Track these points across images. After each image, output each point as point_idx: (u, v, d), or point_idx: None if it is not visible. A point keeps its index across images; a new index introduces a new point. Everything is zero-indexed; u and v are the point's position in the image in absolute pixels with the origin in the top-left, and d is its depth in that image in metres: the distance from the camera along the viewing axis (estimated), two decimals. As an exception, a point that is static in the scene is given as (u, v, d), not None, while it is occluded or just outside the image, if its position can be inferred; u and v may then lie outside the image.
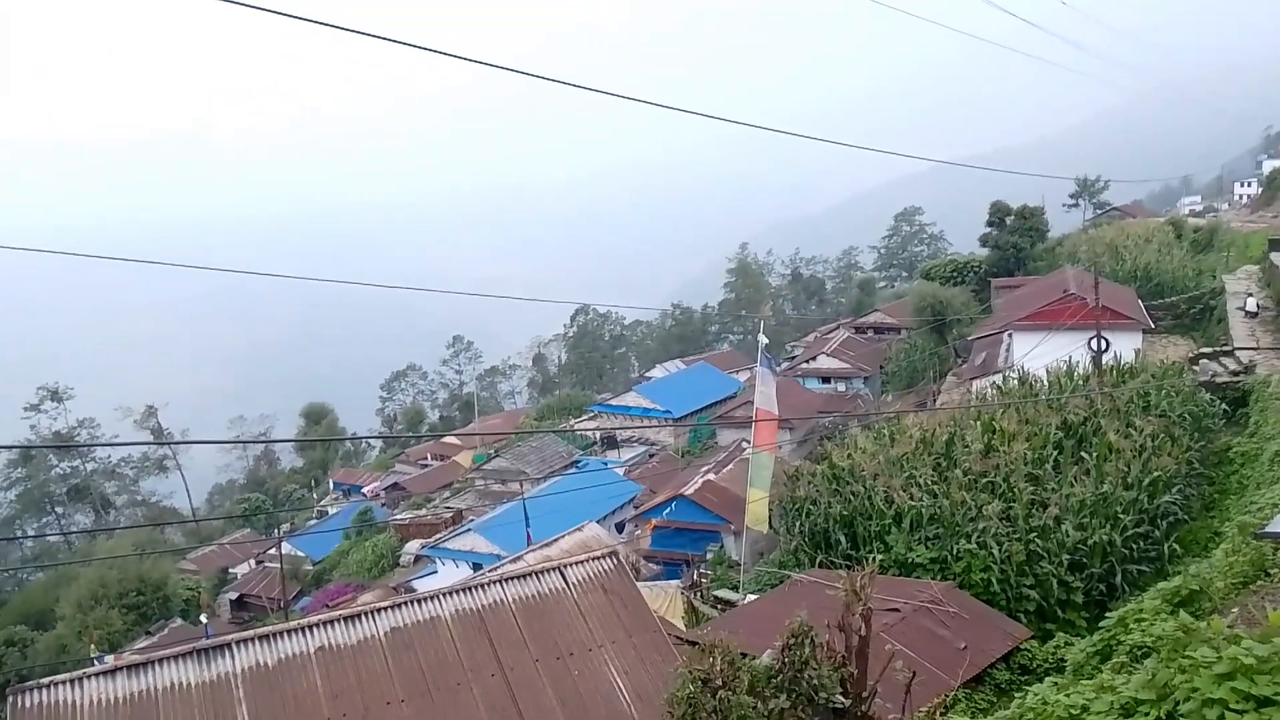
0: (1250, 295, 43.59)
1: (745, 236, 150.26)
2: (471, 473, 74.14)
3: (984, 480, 24.56)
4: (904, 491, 25.08)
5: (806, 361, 72.53)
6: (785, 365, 78.48)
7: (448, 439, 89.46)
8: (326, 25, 7.91)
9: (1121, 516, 22.45)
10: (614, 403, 76.26)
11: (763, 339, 29.73)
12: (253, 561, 71.50)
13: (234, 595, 65.95)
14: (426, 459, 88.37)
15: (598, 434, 72.66)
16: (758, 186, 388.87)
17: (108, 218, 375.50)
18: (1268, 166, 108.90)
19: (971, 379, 44.71)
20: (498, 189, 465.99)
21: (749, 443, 34.56)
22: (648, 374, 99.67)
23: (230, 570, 73.32)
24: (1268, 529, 11.72)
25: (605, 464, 61.90)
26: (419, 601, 15.85)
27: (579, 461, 64.89)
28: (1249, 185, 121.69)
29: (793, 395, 61.86)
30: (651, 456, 65.21)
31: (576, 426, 78.87)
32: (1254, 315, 41.24)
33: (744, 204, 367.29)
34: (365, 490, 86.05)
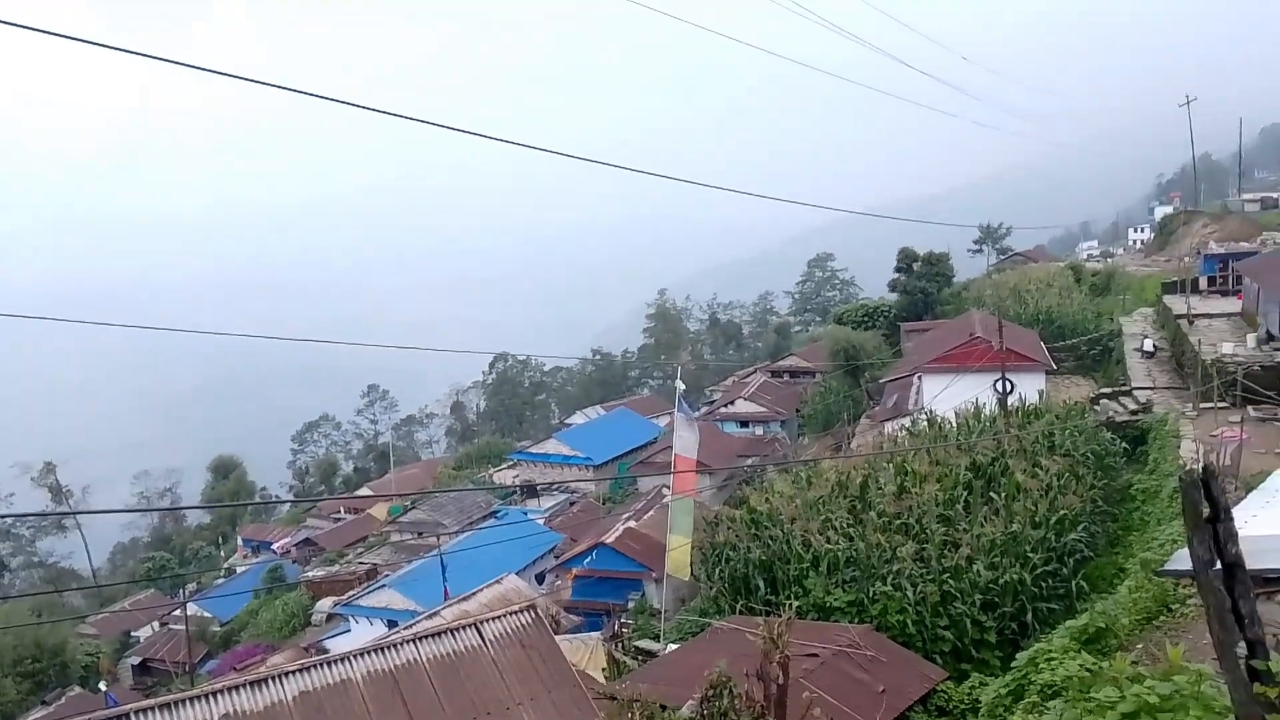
0: (1146, 337, 45.55)
1: (670, 280, 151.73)
2: (387, 526, 72.51)
3: (898, 522, 24.96)
4: (821, 535, 25.32)
5: (725, 406, 73.09)
6: (704, 409, 78.99)
7: (361, 491, 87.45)
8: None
9: (1031, 555, 22.98)
10: (534, 450, 75.68)
11: (680, 385, 29.88)
12: (157, 624, 68.43)
13: (137, 660, 62.88)
14: (340, 513, 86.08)
15: (517, 483, 71.91)
16: (687, 231, 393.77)
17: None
18: (1159, 213, 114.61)
19: (884, 421, 45.55)
20: (419, 231, 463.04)
21: (670, 489, 34.54)
22: (568, 420, 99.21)
23: (133, 633, 70.02)
24: (1168, 566, 12.10)
25: (525, 514, 61.18)
26: (330, 663, 15.32)
27: (498, 512, 64.00)
28: (1142, 230, 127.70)
29: (712, 440, 62.18)
30: (572, 505, 64.70)
31: (496, 475, 77.97)
32: (1150, 355, 43.03)
33: (671, 249, 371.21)
34: (275, 547, 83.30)
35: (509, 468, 77.61)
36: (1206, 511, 5.72)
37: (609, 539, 41.50)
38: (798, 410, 67.92)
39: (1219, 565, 5.76)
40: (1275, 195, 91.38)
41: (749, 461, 56.95)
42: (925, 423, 36.33)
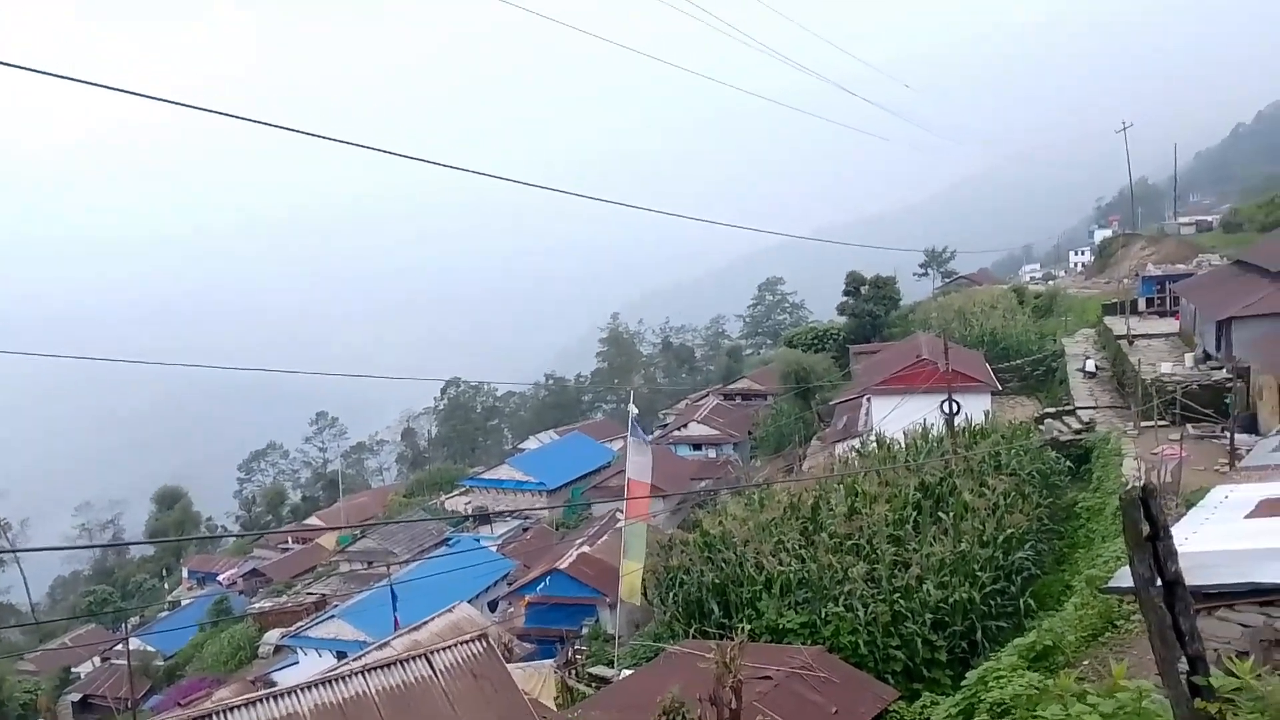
0: (1088, 357, 46.56)
1: (623, 304, 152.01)
2: (336, 555, 71.33)
3: (849, 543, 25.10)
4: (773, 557, 25.35)
5: (678, 429, 73.22)
6: (658, 433, 79.02)
7: (310, 520, 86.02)
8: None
9: (979, 574, 23.23)
10: (487, 476, 75.04)
11: (633, 409, 29.89)
12: (98, 659, 66.42)
13: (77, 697, 61.05)
14: (287, 543, 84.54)
15: (469, 509, 71.25)
16: (640, 253, 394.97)
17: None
18: (1099, 236, 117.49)
19: (835, 442, 45.93)
20: (371, 254, 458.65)
21: (623, 513, 34.44)
22: (522, 445, 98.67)
23: (73, 670, 67.90)
24: (1111, 584, 12.30)
25: (478, 540, 60.60)
26: (276, 697, 15.00)
27: (450, 539, 63.28)
28: (1083, 253, 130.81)
29: (665, 463, 62.21)
30: (526, 530, 64.28)
31: (448, 502, 77.15)
32: (1092, 376, 43.97)
33: (624, 271, 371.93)
34: (221, 578, 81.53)
35: (461, 494, 76.85)
36: (1146, 530, 5.81)
37: (562, 565, 41.28)
38: (750, 432, 68.29)
39: (1160, 583, 5.85)
40: (1209, 218, 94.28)
41: (702, 484, 57.12)
42: (874, 444, 36.70)
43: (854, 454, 37.37)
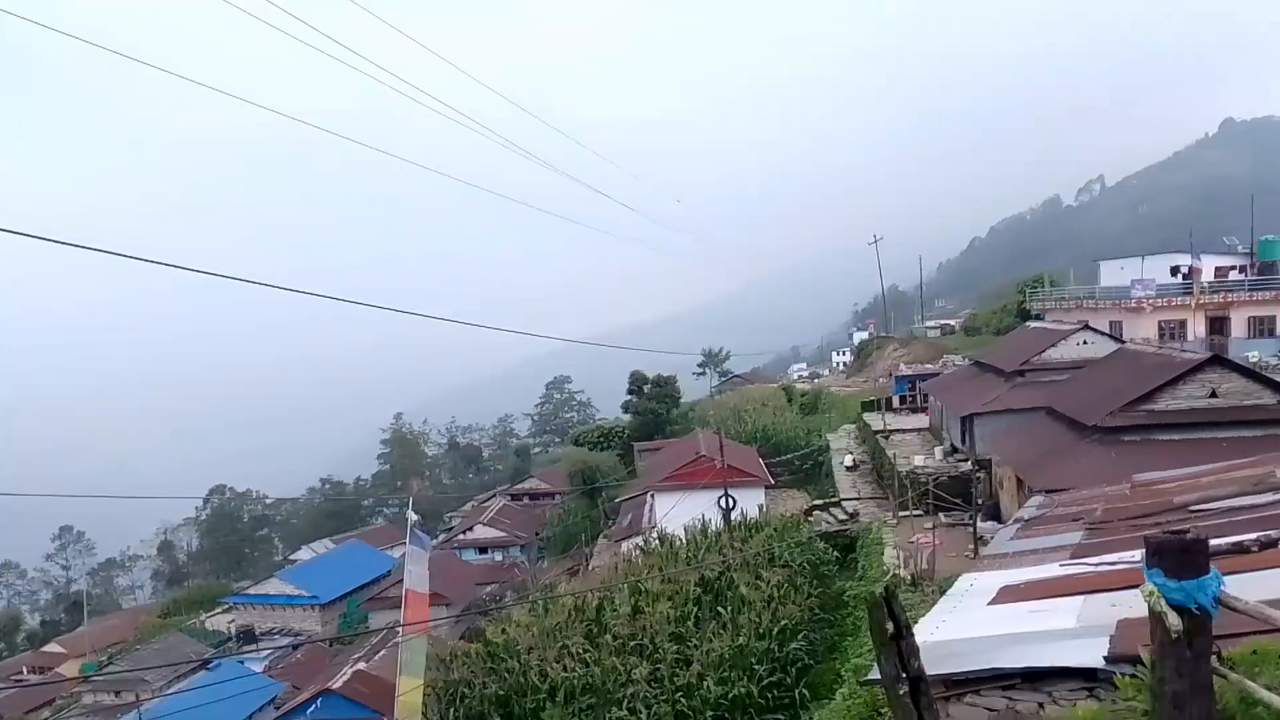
0: (850, 452, 49.54)
1: (407, 404, 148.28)
2: (79, 686, 63.72)
3: (633, 643, 25.03)
4: (558, 663, 24.88)
5: (464, 532, 71.50)
6: (442, 537, 76.74)
7: (50, 648, 76.86)
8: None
9: (757, 667, 23.71)
10: (254, 591, 69.91)
11: (412, 516, 28.77)
12: None
13: None
14: (22, 672, 74.90)
15: (233, 628, 65.96)
16: (426, 354, 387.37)
17: None
18: (857, 338, 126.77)
19: (620, 540, 46.18)
20: (114, 355, 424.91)
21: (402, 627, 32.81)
22: (293, 557, 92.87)
23: None
24: (870, 675, 12.83)
25: (243, 662, 55.96)
26: None
27: (211, 662, 58.04)
28: (844, 354, 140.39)
29: (450, 568, 60.36)
30: (296, 649, 60.06)
31: (210, 621, 71.18)
32: (854, 469, 46.72)
33: (410, 372, 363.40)
34: (-66, 721, 70.79)
35: (224, 612, 71.11)
36: (891, 629, 6.10)
37: (336, 684, 38.83)
38: (538, 533, 67.62)
39: (905, 679, 6.13)
40: (952, 322, 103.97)
41: (488, 589, 55.69)
42: (657, 541, 37.14)
43: (638, 552, 37.62)
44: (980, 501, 32.26)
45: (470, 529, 70.63)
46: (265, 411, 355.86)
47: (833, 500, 42.50)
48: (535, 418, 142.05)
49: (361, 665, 41.31)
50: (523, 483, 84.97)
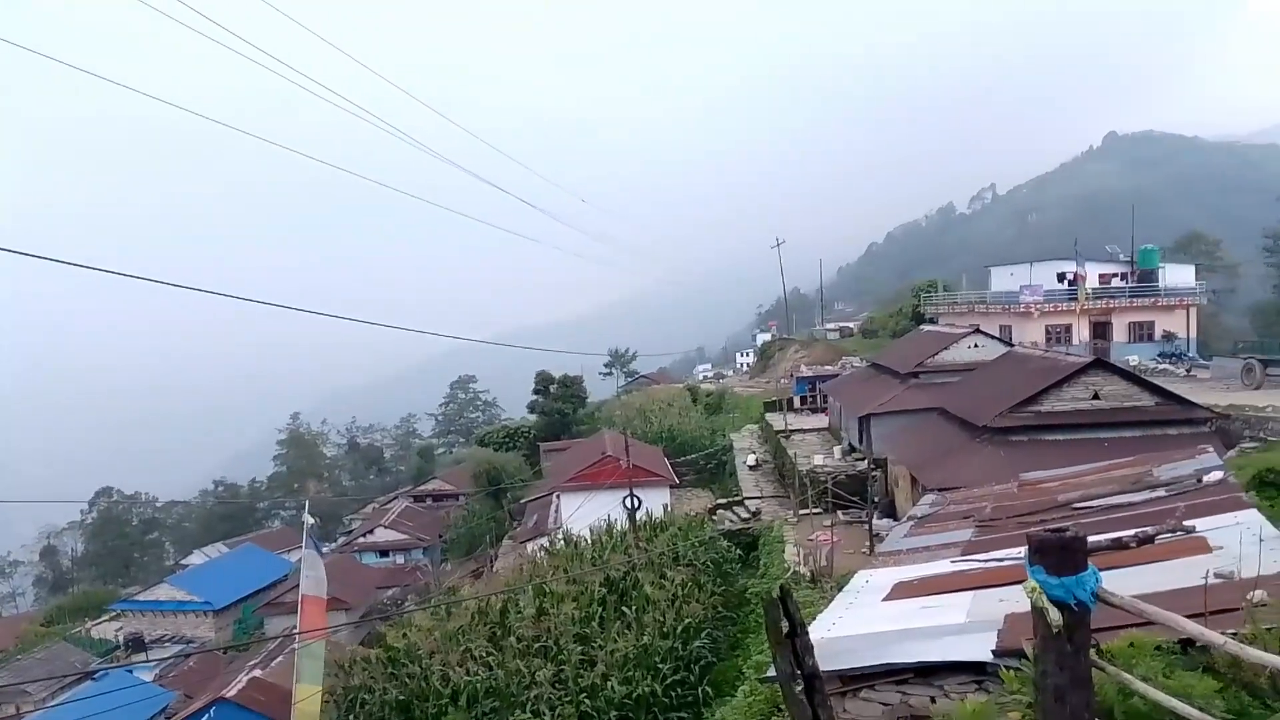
0: (753, 451, 50.24)
1: (305, 403, 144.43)
2: (-53, 702, 60.20)
3: (537, 645, 24.94)
4: (461, 667, 24.63)
5: (364, 535, 70.00)
6: (342, 540, 75.12)
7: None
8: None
9: (661, 666, 23.86)
10: (143, 598, 67.10)
11: (308, 519, 28.06)
12: None
13: None
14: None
15: (121, 636, 63.23)
16: (324, 353, 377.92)
17: None
18: (760, 339, 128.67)
19: (525, 541, 45.91)
20: (14, 345, 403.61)
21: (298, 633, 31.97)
22: (185, 561, 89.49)
23: None
24: (768, 673, 13.04)
25: (131, 671, 53.70)
26: None
27: (97, 673, 55.56)
28: (748, 355, 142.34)
29: (349, 572, 59.10)
30: (188, 656, 57.94)
31: (96, 629, 68.08)
32: (756, 468, 47.40)
33: (308, 370, 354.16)
34: None
35: (112, 619, 68.12)
36: (786, 628, 6.21)
37: (229, 693, 37.53)
38: (441, 535, 66.69)
39: (800, 676, 6.25)
40: (851, 325, 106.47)
41: (389, 593, 54.71)
42: (563, 542, 37.04)
43: (543, 553, 37.46)
44: (876, 500, 33.11)
45: (371, 531, 69.20)
46: (156, 412, 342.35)
47: (736, 499, 42.99)
48: (439, 418, 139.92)
49: (258, 672, 40.09)
50: (426, 484, 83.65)
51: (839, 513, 34.03)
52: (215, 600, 62.52)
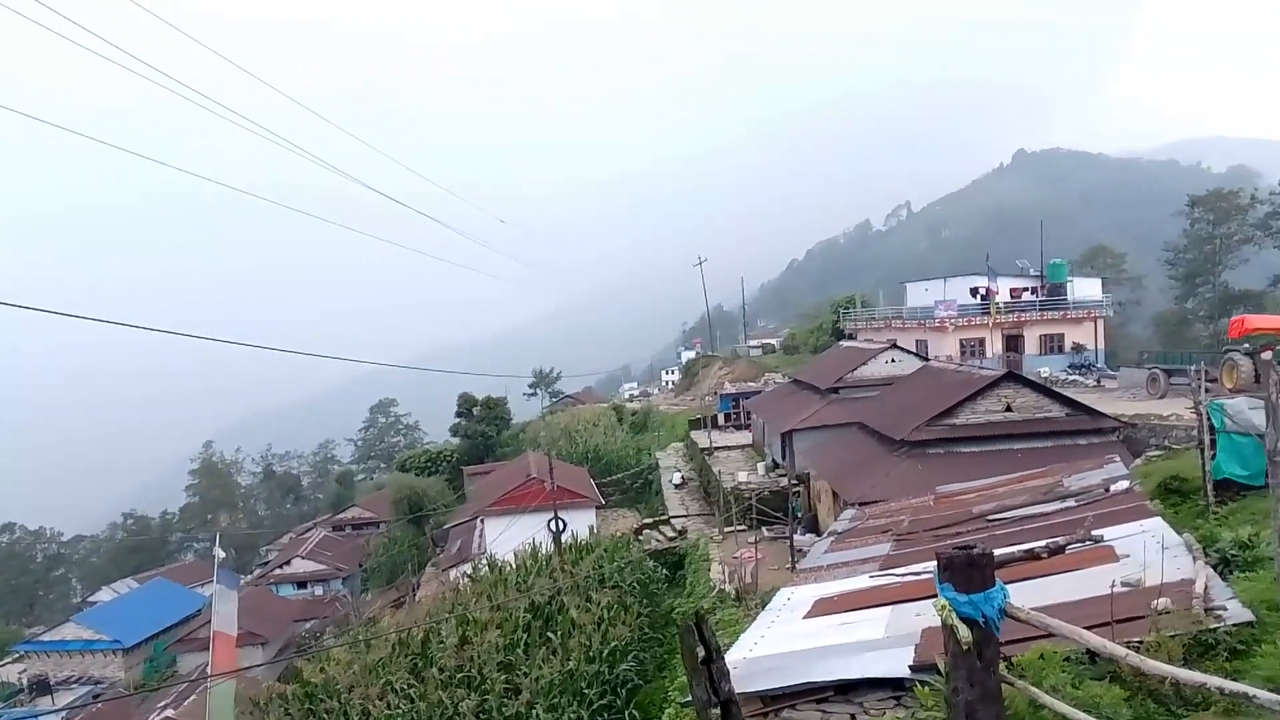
0: (678, 469, 50.28)
1: (218, 430, 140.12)
2: None
3: (460, 675, 24.41)
4: (381, 700, 23.98)
5: (280, 566, 68.05)
6: (258, 572, 72.95)
7: None
8: None
9: (587, 691, 23.57)
10: (48, 638, 64.08)
11: (219, 551, 27.25)
12: None
13: None
14: None
15: (24, 679, 60.27)
16: (237, 376, 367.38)
17: None
18: (685, 356, 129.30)
19: (448, 568, 45.09)
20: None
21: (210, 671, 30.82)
22: (93, 598, 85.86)
23: None
24: (689, 698, 12.93)
25: (35, 717, 51.20)
26: None
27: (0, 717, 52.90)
28: (673, 372, 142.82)
29: (265, 605, 57.45)
30: (97, 698, 55.44)
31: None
32: (682, 486, 47.44)
33: (219, 395, 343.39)
34: None
35: (14, 661, 64.90)
36: (702, 653, 6.11)
37: (139, 736, 35.98)
38: (361, 564, 65.20)
39: (716, 703, 6.15)
40: (773, 341, 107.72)
41: (307, 626, 53.27)
42: (486, 567, 36.49)
43: (466, 580, 36.84)
44: (799, 515, 33.36)
45: (288, 562, 67.27)
46: (58, 440, 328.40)
47: (662, 518, 42.94)
48: (359, 443, 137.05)
49: (170, 713, 38.55)
50: (345, 512, 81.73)
51: (763, 529, 34.16)
52: (125, 638, 60.06)
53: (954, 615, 5.66)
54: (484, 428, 73.62)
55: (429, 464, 73.63)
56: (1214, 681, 4.67)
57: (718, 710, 6.17)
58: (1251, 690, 4.40)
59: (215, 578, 25.19)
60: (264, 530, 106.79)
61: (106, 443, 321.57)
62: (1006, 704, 6.62)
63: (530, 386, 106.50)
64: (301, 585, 64.76)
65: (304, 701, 25.53)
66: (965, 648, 5.64)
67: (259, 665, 42.16)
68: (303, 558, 66.64)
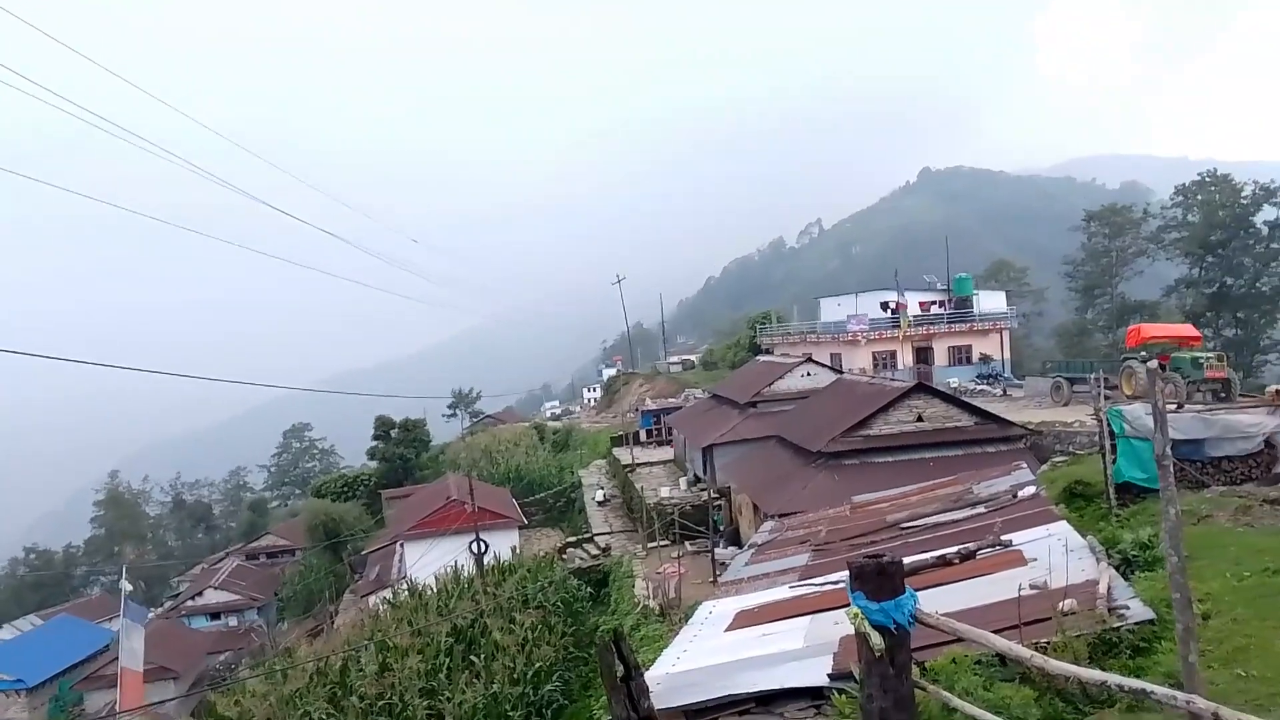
0: (601, 487, 50.22)
1: (123, 459, 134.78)
2: None
3: (380, 703, 23.92)
4: (299, 732, 23.35)
5: (192, 597, 65.74)
6: (169, 604, 70.45)
7: None
8: None
9: (511, 714, 23.35)
10: (-62, 683, 60.75)
11: (125, 585, 26.22)
12: None
13: None
14: None
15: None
16: (142, 401, 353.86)
17: None
18: (606, 374, 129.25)
19: (367, 595, 44.19)
20: None
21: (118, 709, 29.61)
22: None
23: None
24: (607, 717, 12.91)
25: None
26: None
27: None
28: (594, 390, 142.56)
29: (176, 638, 55.52)
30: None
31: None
32: (605, 503, 47.38)
33: (124, 421, 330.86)
34: None
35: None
36: (621, 671, 6.12)
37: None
38: (276, 594, 63.40)
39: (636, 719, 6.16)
40: (691, 358, 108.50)
41: (220, 658, 51.59)
42: (406, 592, 35.85)
43: (385, 605, 36.12)
44: (721, 529, 33.62)
45: (200, 594, 64.98)
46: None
47: (585, 536, 42.85)
48: (272, 469, 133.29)
49: (72, 757, 36.84)
50: (258, 540, 79.39)
51: (686, 544, 34.32)
52: (28, 677, 57.27)
53: (866, 623, 5.79)
54: (402, 450, 72.34)
55: (345, 489, 72.01)
56: (1113, 679, 4.86)
57: (638, 727, 6.18)
58: (1148, 686, 4.60)
59: (122, 612, 24.19)
60: (174, 561, 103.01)
61: (2, 473, 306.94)
62: (921, 709, 6.79)
63: (450, 407, 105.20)
64: (215, 616, 62.65)
65: (218, 737, 24.73)
66: (878, 654, 5.76)
67: (170, 700, 40.66)
68: (215, 588, 64.46)
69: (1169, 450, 5.38)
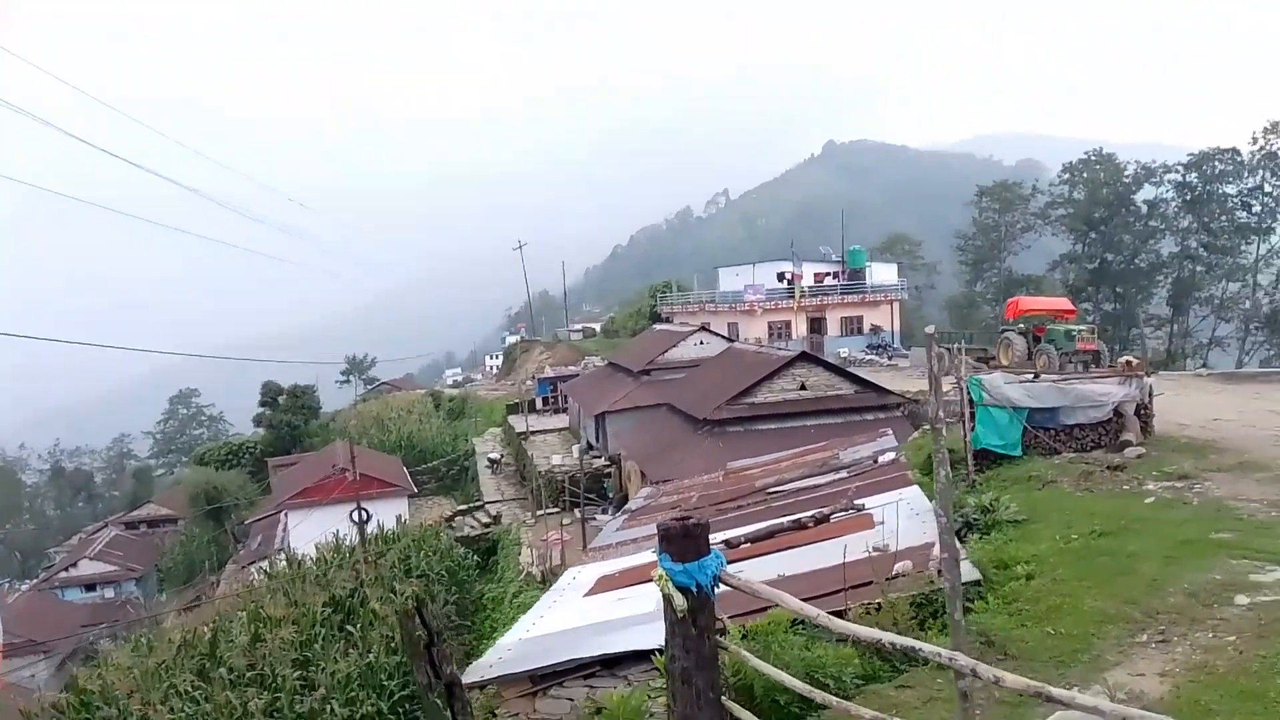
0: (494, 454, 49.82)
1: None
2: None
3: (251, 673, 23.25)
4: (164, 704, 22.52)
5: (66, 569, 63.10)
6: (42, 576, 67.53)
7: None
8: None
9: (388, 683, 22.89)
10: None
11: (-24, 557, 24.93)
12: None
13: None
14: None
15: None
16: (14, 373, 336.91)
17: None
18: (509, 342, 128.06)
19: (249, 565, 43.08)
20: None
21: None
22: None
23: None
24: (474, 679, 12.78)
25: None
26: None
27: None
28: (496, 358, 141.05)
29: (47, 612, 53.30)
30: None
31: None
32: (495, 464, 47.04)
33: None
34: None
35: None
36: (425, 638, 5.96)
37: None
38: (156, 565, 61.28)
39: (440, 684, 6.02)
40: (593, 326, 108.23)
41: (95, 631, 49.63)
42: (284, 562, 34.98)
43: (262, 576, 35.22)
44: (611, 496, 33.72)
45: (74, 564, 62.34)
46: None
47: (476, 504, 42.49)
48: (158, 436, 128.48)
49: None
50: (140, 509, 76.54)
51: (576, 511, 34.31)
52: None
53: (670, 584, 5.74)
54: (290, 417, 70.32)
55: (230, 456, 69.77)
56: (887, 638, 4.91)
57: (441, 692, 6.05)
58: (916, 644, 4.64)
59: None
60: (50, 531, 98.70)
61: None
62: (737, 670, 6.81)
63: (343, 374, 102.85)
64: (90, 588, 60.26)
65: (80, 710, 23.66)
66: (680, 615, 5.72)
67: (28, 674, 39.05)
68: (91, 559, 61.95)
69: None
